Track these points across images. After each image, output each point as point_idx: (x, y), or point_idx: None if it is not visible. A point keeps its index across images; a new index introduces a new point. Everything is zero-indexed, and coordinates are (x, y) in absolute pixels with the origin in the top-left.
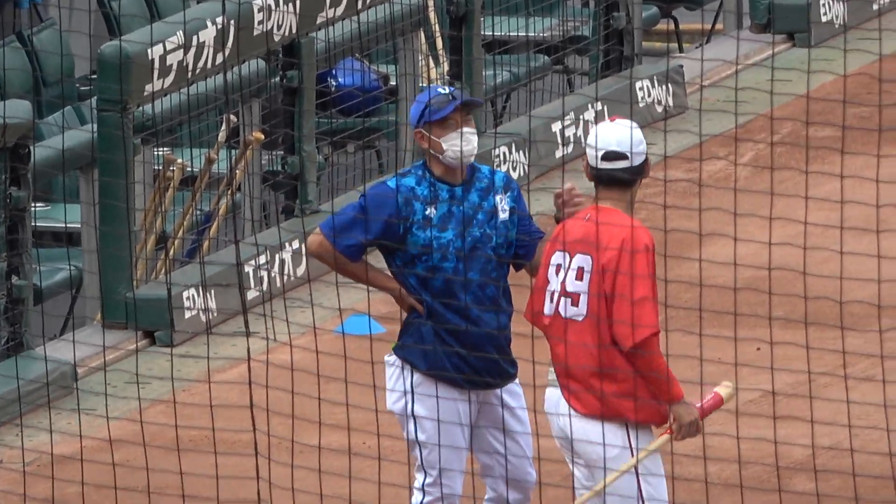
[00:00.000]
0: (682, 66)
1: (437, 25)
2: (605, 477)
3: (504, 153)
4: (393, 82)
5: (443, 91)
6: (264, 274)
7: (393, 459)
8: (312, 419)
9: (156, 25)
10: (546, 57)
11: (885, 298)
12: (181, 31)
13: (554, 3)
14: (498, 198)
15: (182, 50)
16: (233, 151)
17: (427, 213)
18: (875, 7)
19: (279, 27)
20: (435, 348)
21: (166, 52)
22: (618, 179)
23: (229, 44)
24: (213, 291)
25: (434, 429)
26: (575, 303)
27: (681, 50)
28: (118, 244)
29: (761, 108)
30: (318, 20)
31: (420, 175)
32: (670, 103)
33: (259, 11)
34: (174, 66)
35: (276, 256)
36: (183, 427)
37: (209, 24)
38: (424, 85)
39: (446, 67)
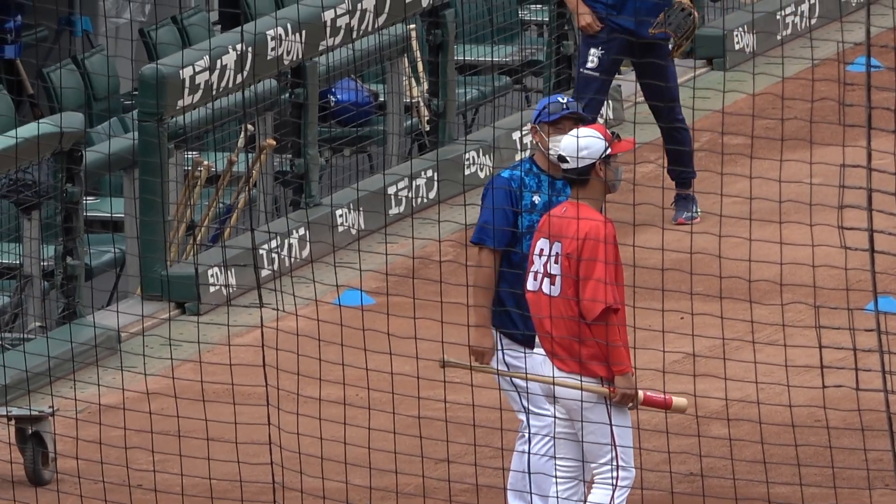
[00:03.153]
0: (620, 86)
1: (418, 52)
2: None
3: (473, 156)
4: (382, 99)
5: (561, 100)
6: (275, 255)
7: (380, 409)
8: (314, 376)
9: (186, 51)
10: (508, 78)
11: (786, 277)
12: (207, 56)
13: (514, 34)
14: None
15: (208, 71)
16: (250, 155)
17: (533, 199)
18: (779, 37)
19: (288, 53)
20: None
21: (195, 73)
22: (571, 179)
23: (247, 66)
24: (232, 270)
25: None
26: (553, 282)
27: (619, 72)
28: (154, 231)
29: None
30: (320, 47)
31: (528, 168)
32: (611, 115)
33: (272, 40)
34: (201, 85)
35: (286, 241)
36: (207, 382)
37: (230, 50)
38: (548, 95)
39: (426, 86)
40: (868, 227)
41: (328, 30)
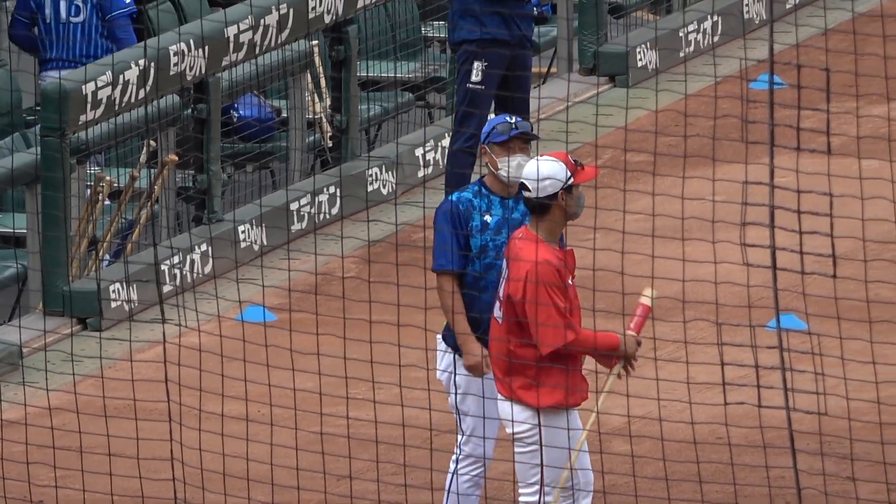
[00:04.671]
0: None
1: (321, 68)
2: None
3: (376, 173)
4: (284, 114)
5: (509, 120)
6: (177, 271)
7: (283, 425)
8: (216, 391)
9: (89, 66)
10: (410, 94)
11: (688, 295)
12: (110, 71)
13: (417, 50)
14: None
15: (110, 87)
16: (152, 171)
17: (485, 219)
18: (682, 54)
19: (191, 68)
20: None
21: (97, 89)
22: (532, 207)
23: (150, 82)
24: (134, 285)
25: (473, 400)
26: (500, 306)
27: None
28: (57, 246)
29: (588, 138)
30: (223, 62)
31: (477, 189)
32: None
33: (174, 55)
34: (104, 100)
35: (188, 257)
36: (109, 397)
37: (133, 65)
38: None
39: (328, 102)
40: (770, 245)
41: (231, 45)
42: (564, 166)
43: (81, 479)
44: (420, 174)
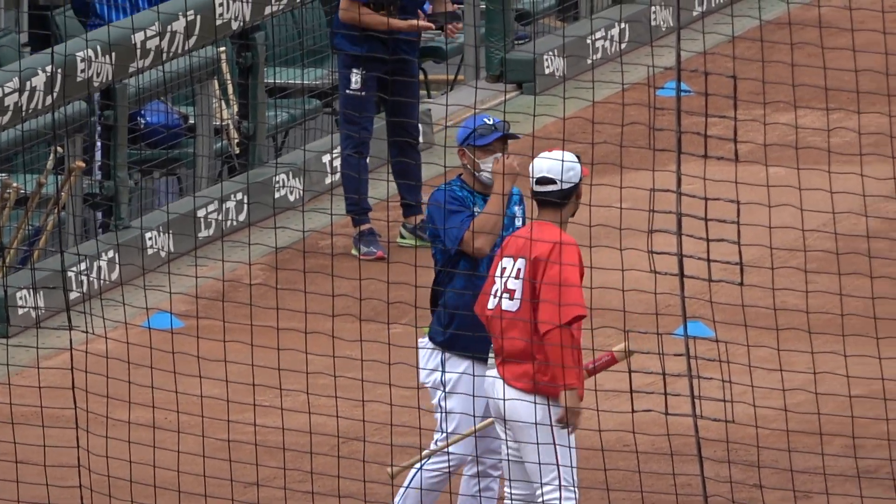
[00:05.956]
0: (430, 110)
1: (228, 74)
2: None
3: (283, 179)
4: (192, 121)
5: (488, 121)
6: (84, 278)
7: (190, 432)
8: (123, 398)
9: None
10: (318, 101)
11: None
12: (17, 77)
13: (324, 57)
14: (517, 208)
15: (17, 93)
16: (59, 177)
17: (476, 210)
18: (589, 61)
19: (98, 75)
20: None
21: (4, 95)
22: (549, 202)
23: (57, 88)
24: (41, 292)
25: (458, 399)
26: (511, 297)
27: (429, 96)
28: None
29: None
30: (130, 69)
31: (460, 185)
32: (420, 140)
33: (81, 62)
34: (11, 106)
35: (95, 264)
36: (16, 404)
37: (40, 71)
38: (471, 113)
39: (236, 109)
40: (678, 252)
41: (138, 52)
42: (579, 161)
43: None
44: (327, 181)
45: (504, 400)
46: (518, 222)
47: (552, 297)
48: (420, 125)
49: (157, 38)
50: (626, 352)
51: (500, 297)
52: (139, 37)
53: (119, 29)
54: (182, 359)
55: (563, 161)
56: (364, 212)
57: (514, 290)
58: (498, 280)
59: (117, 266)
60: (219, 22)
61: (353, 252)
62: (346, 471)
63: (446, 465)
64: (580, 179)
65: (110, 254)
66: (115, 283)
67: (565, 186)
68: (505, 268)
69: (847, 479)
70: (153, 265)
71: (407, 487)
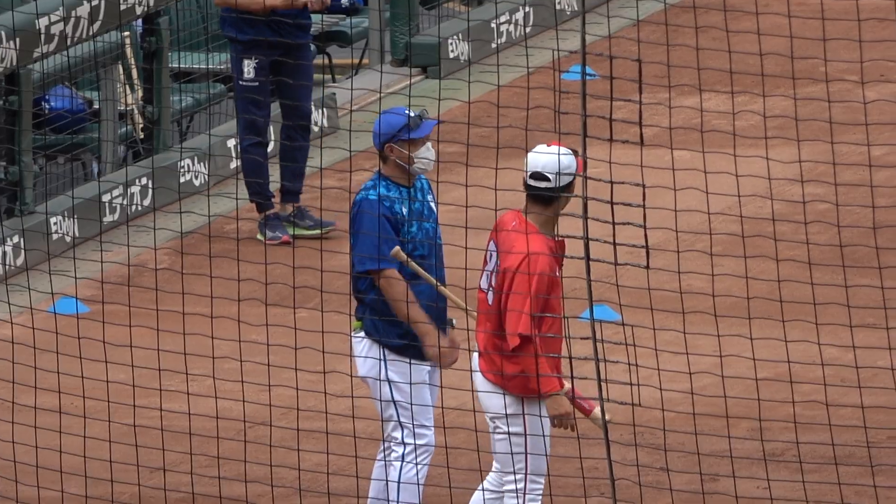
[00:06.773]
0: (335, 94)
1: (133, 59)
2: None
3: (188, 164)
4: (96, 106)
5: (412, 114)
6: None
7: (96, 418)
8: (29, 384)
9: None
10: (223, 85)
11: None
12: None
13: (227, 42)
14: (430, 196)
15: None
16: None
17: (404, 212)
18: (493, 45)
19: (2, 60)
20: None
21: None
22: (540, 196)
23: None
24: None
25: (408, 390)
26: (490, 287)
27: (334, 80)
28: None
29: None
30: (35, 54)
31: (385, 184)
32: (325, 124)
33: None
34: None
35: (0, 249)
36: None
37: None
38: (387, 108)
39: (140, 94)
40: (584, 236)
41: (42, 37)
42: (575, 159)
43: None
44: (232, 165)
45: (479, 392)
46: (433, 207)
47: (506, 320)
48: (314, 109)
49: (62, 24)
50: (602, 419)
51: (490, 279)
52: (43, 22)
53: (23, 14)
54: (88, 344)
55: (559, 158)
56: (267, 197)
57: (493, 283)
58: (489, 262)
59: (22, 251)
60: (123, 7)
61: (259, 237)
62: (252, 455)
63: (426, 456)
64: (574, 177)
65: (15, 239)
66: (20, 268)
67: (560, 184)
68: (493, 251)
69: (753, 461)
70: (58, 250)
71: (386, 482)
